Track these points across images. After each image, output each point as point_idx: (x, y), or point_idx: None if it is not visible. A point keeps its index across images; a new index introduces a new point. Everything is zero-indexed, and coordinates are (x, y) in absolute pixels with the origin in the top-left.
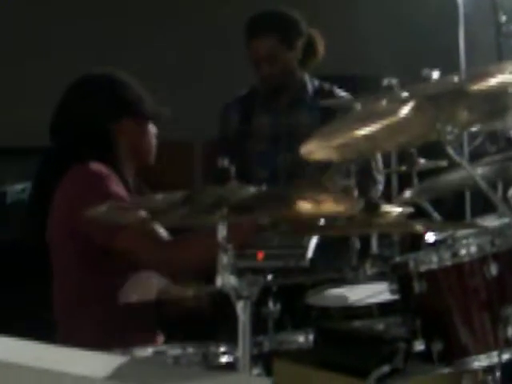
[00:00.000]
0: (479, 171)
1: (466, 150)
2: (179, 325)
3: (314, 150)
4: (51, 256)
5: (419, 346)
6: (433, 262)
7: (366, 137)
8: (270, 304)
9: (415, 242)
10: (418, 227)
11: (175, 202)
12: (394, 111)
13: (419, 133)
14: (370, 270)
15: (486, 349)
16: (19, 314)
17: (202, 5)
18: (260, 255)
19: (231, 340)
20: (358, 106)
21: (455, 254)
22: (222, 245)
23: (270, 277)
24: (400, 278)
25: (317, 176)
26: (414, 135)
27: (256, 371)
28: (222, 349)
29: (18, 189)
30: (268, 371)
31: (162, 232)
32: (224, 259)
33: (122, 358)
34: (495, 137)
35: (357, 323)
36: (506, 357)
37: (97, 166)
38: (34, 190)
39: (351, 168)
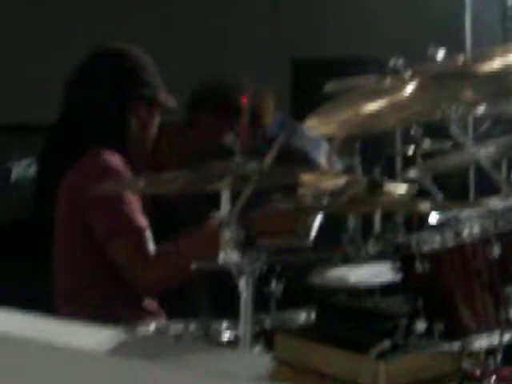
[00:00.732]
0: (483, 152)
1: (472, 135)
2: (180, 301)
3: (317, 125)
4: (55, 235)
5: (421, 324)
6: (435, 242)
7: (369, 113)
8: (273, 283)
9: (422, 224)
10: (423, 206)
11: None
12: (399, 89)
13: (423, 110)
14: (372, 249)
15: (487, 329)
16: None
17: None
18: None
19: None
20: (363, 84)
21: (458, 235)
22: (223, 220)
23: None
24: (402, 258)
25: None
26: (417, 113)
27: (257, 349)
28: (224, 325)
29: (24, 164)
30: (269, 349)
31: (151, 246)
32: (226, 234)
33: (124, 334)
34: (499, 119)
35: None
36: (507, 337)
37: (109, 158)
38: (41, 168)
39: (356, 146)
